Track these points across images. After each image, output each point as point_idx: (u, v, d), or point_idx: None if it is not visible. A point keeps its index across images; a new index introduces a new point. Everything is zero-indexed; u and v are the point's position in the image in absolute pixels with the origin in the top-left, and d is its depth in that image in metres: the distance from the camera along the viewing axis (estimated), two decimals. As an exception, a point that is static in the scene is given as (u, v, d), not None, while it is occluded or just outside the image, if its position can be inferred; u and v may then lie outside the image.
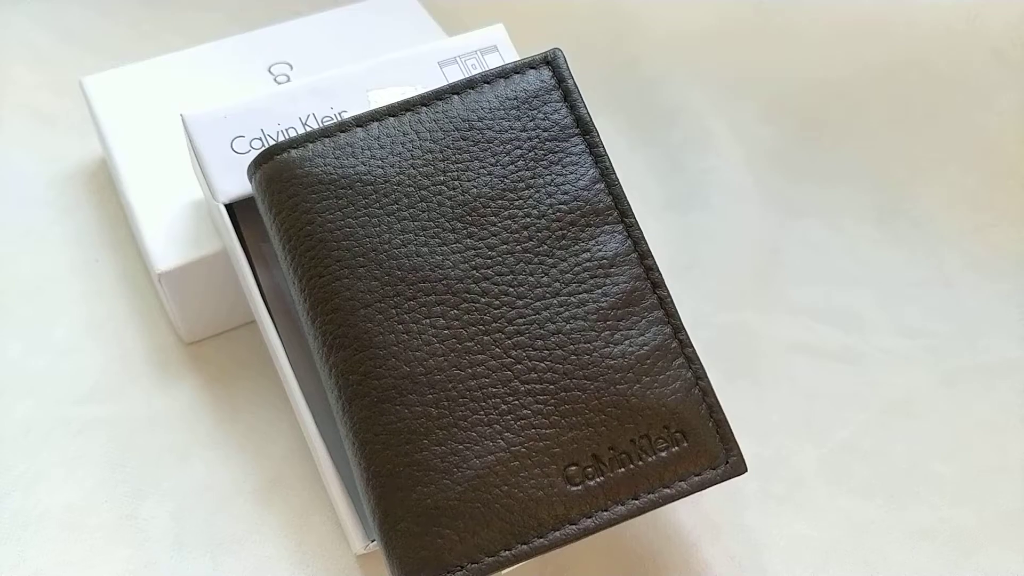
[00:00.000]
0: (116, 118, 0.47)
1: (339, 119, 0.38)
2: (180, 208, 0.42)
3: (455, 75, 0.40)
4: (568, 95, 0.34)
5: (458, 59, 0.41)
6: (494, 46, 0.42)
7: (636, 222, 0.33)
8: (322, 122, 0.38)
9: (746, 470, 0.31)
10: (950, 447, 0.42)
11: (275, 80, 0.49)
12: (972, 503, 0.40)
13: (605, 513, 0.30)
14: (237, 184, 0.37)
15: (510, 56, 0.42)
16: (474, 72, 0.41)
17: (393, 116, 0.34)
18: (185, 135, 0.38)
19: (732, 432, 0.31)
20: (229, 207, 0.37)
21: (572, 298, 0.32)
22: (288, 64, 0.50)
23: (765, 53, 0.58)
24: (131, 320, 0.45)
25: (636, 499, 0.30)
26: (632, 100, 0.57)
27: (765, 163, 0.54)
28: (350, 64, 0.40)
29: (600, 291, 0.32)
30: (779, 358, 0.46)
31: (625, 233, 0.33)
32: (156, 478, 0.40)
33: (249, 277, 0.38)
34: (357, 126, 0.34)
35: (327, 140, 0.33)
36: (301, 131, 0.38)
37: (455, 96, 0.34)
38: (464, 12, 0.59)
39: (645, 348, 0.31)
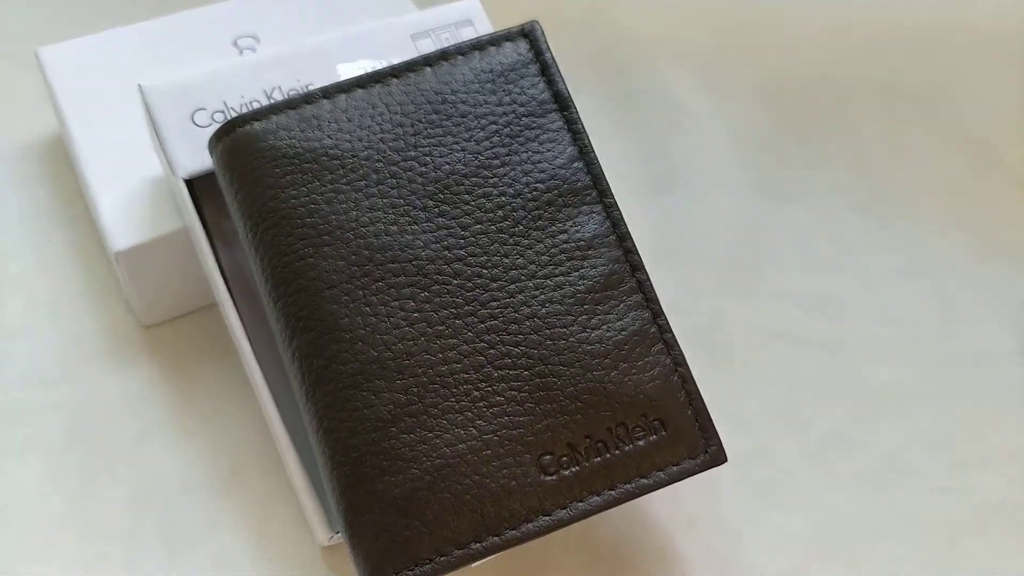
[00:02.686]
0: (73, 91, 0.45)
1: (305, 90, 0.36)
2: (139, 185, 0.40)
3: (428, 49, 0.39)
4: (546, 69, 0.33)
5: (431, 32, 0.39)
6: (468, 19, 0.40)
7: (615, 203, 0.31)
8: (288, 95, 0.36)
9: (726, 460, 0.30)
10: (934, 438, 0.41)
11: (241, 54, 0.47)
12: (956, 494, 0.39)
13: (580, 504, 0.29)
14: (198, 159, 0.35)
15: (485, 30, 0.40)
16: (448, 45, 0.39)
17: (362, 88, 0.32)
18: (143, 106, 0.36)
19: (712, 421, 0.30)
20: (189, 183, 0.35)
21: (548, 281, 0.30)
22: (254, 37, 0.48)
23: (750, 34, 0.57)
24: (86, 301, 0.43)
25: (612, 490, 0.29)
26: (612, 80, 0.55)
27: (748, 146, 0.53)
28: (319, 36, 0.38)
29: (577, 274, 0.30)
30: (760, 346, 0.45)
31: (604, 214, 0.31)
32: (110, 466, 0.38)
33: (209, 257, 0.36)
34: (323, 98, 0.32)
35: (292, 112, 0.32)
36: (264, 102, 0.36)
37: (427, 68, 0.32)
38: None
39: (623, 333, 0.30)
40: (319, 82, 0.37)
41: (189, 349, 0.42)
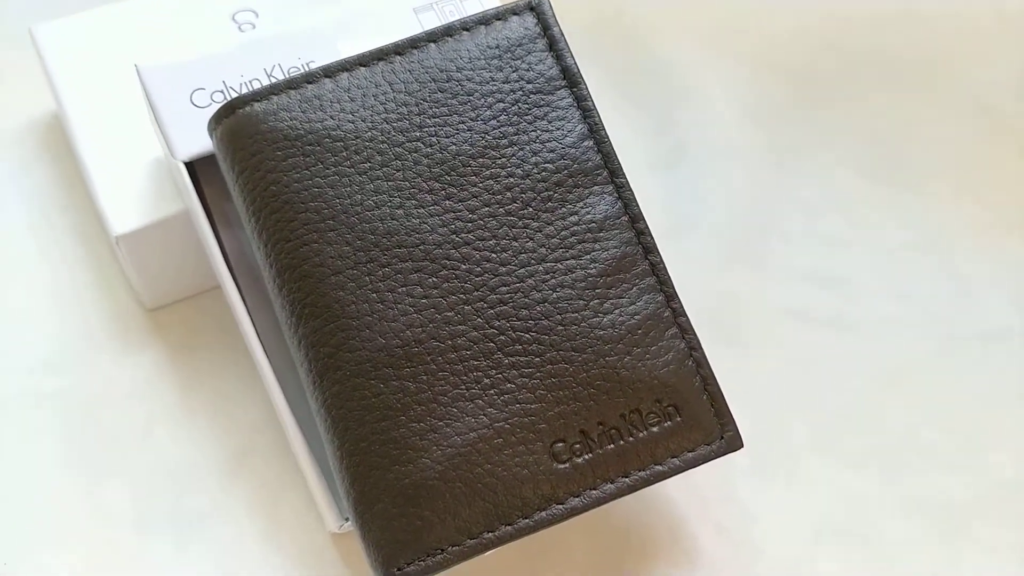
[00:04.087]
0: (69, 70, 0.44)
1: (306, 68, 0.36)
2: (138, 166, 0.39)
3: (431, 23, 0.38)
4: (554, 44, 0.32)
5: (434, 5, 0.38)
6: (473, -8, 0.39)
7: (627, 182, 0.31)
8: (289, 74, 0.35)
9: (742, 445, 0.29)
10: (945, 417, 0.41)
11: (239, 29, 0.46)
12: (967, 474, 0.39)
13: (594, 492, 0.28)
14: (197, 141, 0.34)
15: (491, 2, 0.39)
16: (451, 19, 0.38)
17: (364, 66, 0.31)
18: (141, 88, 0.35)
19: (727, 406, 0.29)
20: (189, 165, 0.35)
21: (559, 264, 0.29)
22: (253, 12, 0.47)
23: (754, 3, 0.56)
24: (89, 285, 0.43)
25: (626, 477, 0.28)
26: (615, 53, 0.54)
27: (755, 118, 0.52)
28: (319, 11, 0.37)
29: (588, 257, 0.30)
30: (770, 324, 0.44)
31: (615, 194, 0.30)
32: (116, 453, 0.38)
33: (211, 240, 0.35)
34: (325, 77, 0.31)
35: (293, 92, 0.31)
36: (265, 82, 0.35)
37: (431, 44, 0.31)
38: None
39: (636, 318, 0.29)
40: (321, 60, 0.36)
41: (194, 332, 0.41)
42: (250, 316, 0.35)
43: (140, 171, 0.39)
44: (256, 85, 0.35)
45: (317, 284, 0.29)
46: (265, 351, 0.35)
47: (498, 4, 0.39)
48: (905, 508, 0.38)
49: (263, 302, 0.36)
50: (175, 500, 0.37)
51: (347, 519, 0.33)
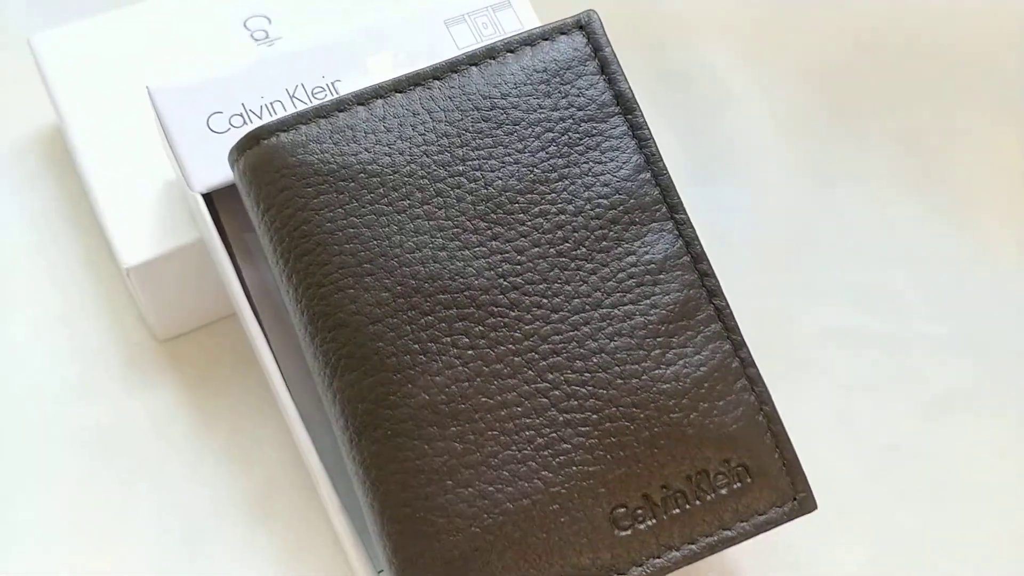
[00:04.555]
0: (71, 83, 0.41)
1: (333, 89, 0.33)
2: (147, 189, 0.37)
3: (464, 36, 0.35)
4: (606, 66, 0.29)
5: (467, 17, 0.35)
6: (507, 1, 0.36)
7: (688, 218, 0.28)
8: (313, 93, 0.33)
9: (815, 507, 0.27)
10: (1002, 444, 0.39)
11: (252, 36, 0.43)
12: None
13: (657, 560, 0.26)
14: (216, 170, 0.31)
15: (526, 12, 0.36)
16: (486, 32, 0.35)
17: (400, 92, 0.29)
18: (152, 111, 0.32)
19: (800, 465, 0.27)
20: (207, 195, 0.32)
21: (616, 310, 0.27)
22: (266, 17, 0.44)
23: (791, 7, 0.53)
24: (98, 314, 0.40)
25: (692, 544, 0.26)
26: (646, 60, 0.51)
27: (793, 129, 0.49)
28: (341, 22, 0.34)
29: (648, 302, 0.27)
30: (813, 346, 0.42)
31: (675, 232, 0.28)
32: (133, 493, 0.36)
33: (231, 275, 0.33)
34: (358, 104, 0.28)
35: (323, 121, 0.28)
36: (288, 104, 0.32)
37: (473, 68, 0.29)
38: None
39: (702, 370, 0.27)
40: (346, 78, 0.33)
41: (209, 364, 0.39)
42: (274, 356, 0.32)
43: (150, 194, 0.37)
44: (278, 107, 0.32)
45: (354, 334, 0.27)
46: (289, 390, 0.32)
47: (533, 16, 0.36)
48: (964, 547, 0.36)
49: (287, 339, 0.33)
50: (191, 547, 0.35)
51: (380, 572, 0.31)
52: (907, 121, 0.50)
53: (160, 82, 0.32)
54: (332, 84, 0.33)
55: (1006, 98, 0.50)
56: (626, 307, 0.27)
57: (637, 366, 0.27)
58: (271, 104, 0.32)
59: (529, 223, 0.28)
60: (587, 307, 0.27)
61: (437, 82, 0.29)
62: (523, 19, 0.36)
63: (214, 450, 0.37)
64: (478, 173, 0.28)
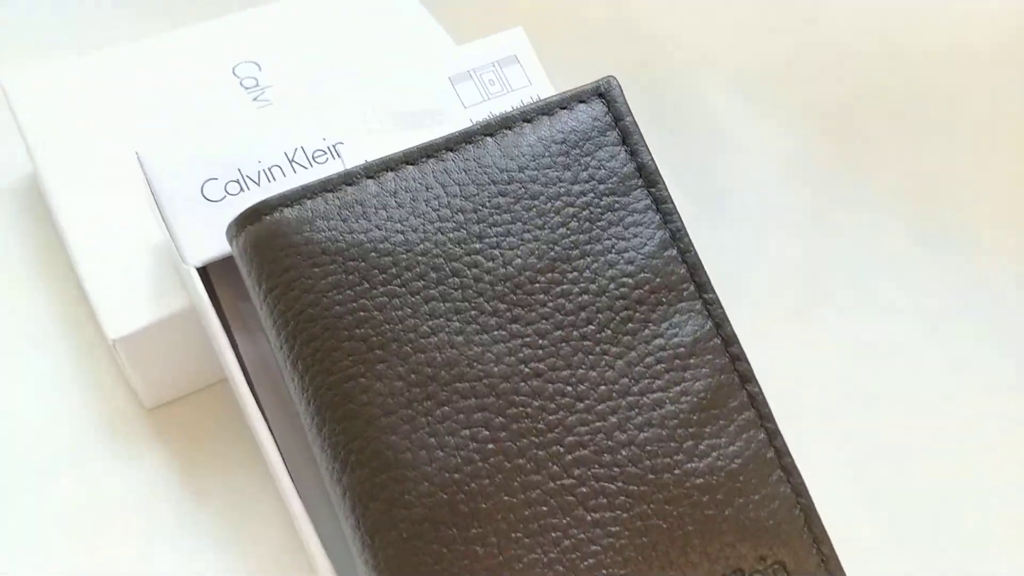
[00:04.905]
0: (47, 130, 0.39)
1: (334, 152, 0.31)
2: (134, 251, 0.35)
3: (470, 93, 0.34)
4: (627, 136, 0.28)
5: (472, 73, 0.34)
6: (513, 56, 0.35)
7: (716, 298, 0.27)
8: (313, 157, 0.31)
9: (855, 604, 0.26)
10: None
11: (241, 84, 0.42)
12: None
13: (692, 668, 0.24)
14: (211, 241, 0.29)
15: (533, 68, 0.35)
16: (492, 89, 0.34)
17: (412, 164, 0.27)
18: (142, 177, 0.30)
19: (838, 560, 0.26)
20: (201, 268, 0.30)
21: (645, 398, 0.26)
22: (256, 63, 0.42)
23: (791, 48, 0.52)
24: (80, 379, 0.38)
25: (728, 648, 0.25)
26: (646, 103, 0.50)
27: (795, 174, 0.48)
28: (334, 68, 0.32)
29: (679, 388, 0.26)
30: (822, 402, 0.41)
31: (705, 312, 0.27)
32: (114, 574, 0.34)
33: (225, 346, 0.31)
34: (367, 177, 0.27)
35: (330, 196, 0.26)
36: (287, 168, 0.31)
37: (488, 139, 0.27)
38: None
39: (736, 462, 0.25)
40: (348, 140, 0.32)
41: (199, 434, 0.37)
42: (273, 435, 0.30)
43: (136, 256, 0.35)
44: (276, 172, 0.31)
45: (365, 427, 0.25)
46: (288, 468, 0.30)
47: (541, 72, 0.35)
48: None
49: (286, 416, 0.31)
50: (183, 636, 0.33)
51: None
52: (909, 165, 0.49)
53: (149, 147, 0.30)
54: (334, 147, 0.31)
55: (1009, 144, 0.50)
56: (655, 395, 0.26)
57: (669, 459, 0.25)
58: (269, 169, 0.30)
59: (551, 304, 0.26)
60: (614, 395, 0.25)
61: (451, 153, 0.27)
62: (531, 75, 0.35)
63: (205, 527, 0.35)
64: (496, 251, 0.26)
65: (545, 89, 0.34)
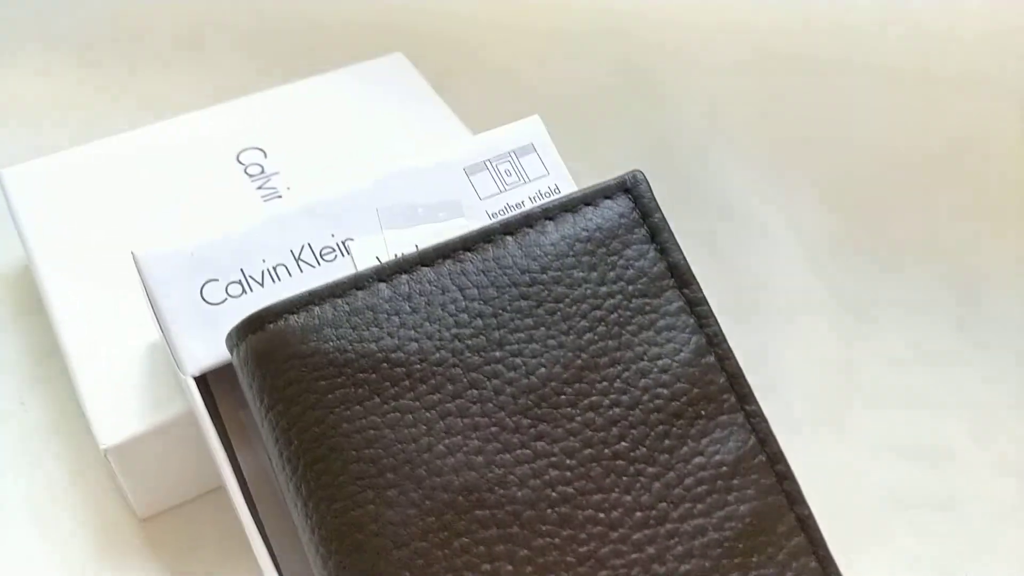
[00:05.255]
0: (44, 225, 0.38)
1: (343, 249, 0.29)
2: (129, 351, 0.33)
3: (486, 184, 0.32)
4: (657, 234, 0.26)
5: (488, 164, 0.32)
6: (530, 144, 0.33)
7: (759, 410, 0.25)
8: (321, 255, 0.29)
9: None
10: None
11: (246, 171, 0.40)
12: None
13: None
14: (211, 347, 0.27)
15: (550, 157, 0.33)
16: (509, 180, 0.32)
17: (427, 266, 0.25)
18: (139, 279, 0.28)
19: None
20: (200, 375, 0.28)
21: (685, 525, 0.23)
22: (261, 150, 0.41)
23: (812, 122, 0.51)
24: (70, 487, 0.36)
25: None
26: (661, 183, 0.49)
27: (825, 258, 0.47)
28: (351, 167, 0.31)
29: (722, 513, 0.23)
30: (865, 509, 0.38)
31: (748, 426, 0.24)
32: None
33: (223, 459, 0.28)
34: (379, 280, 0.25)
35: (339, 301, 0.24)
36: (293, 268, 0.29)
37: (508, 237, 0.25)
38: (457, 73, 0.51)
39: (788, 595, 0.23)
40: (359, 236, 0.30)
41: (195, 545, 0.34)
42: (272, 555, 0.28)
43: (131, 357, 0.33)
44: (282, 271, 0.29)
45: (375, 560, 0.22)
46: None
47: (559, 160, 0.33)
48: None
49: (287, 534, 0.29)
50: None
51: None
52: (944, 247, 0.47)
53: (147, 248, 0.28)
54: (343, 243, 0.29)
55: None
56: (697, 521, 0.23)
57: (713, 594, 0.23)
58: (274, 268, 0.29)
59: (579, 419, 0.24)
60: (652, 522, 0.23)
61: (468, 254, 0.25)
62: (548, 164, 0.33)
63: (199, 652, 0.32)
64: (518, 360, 0.24)
65: (563, 178, 0.33)
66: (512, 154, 0.33)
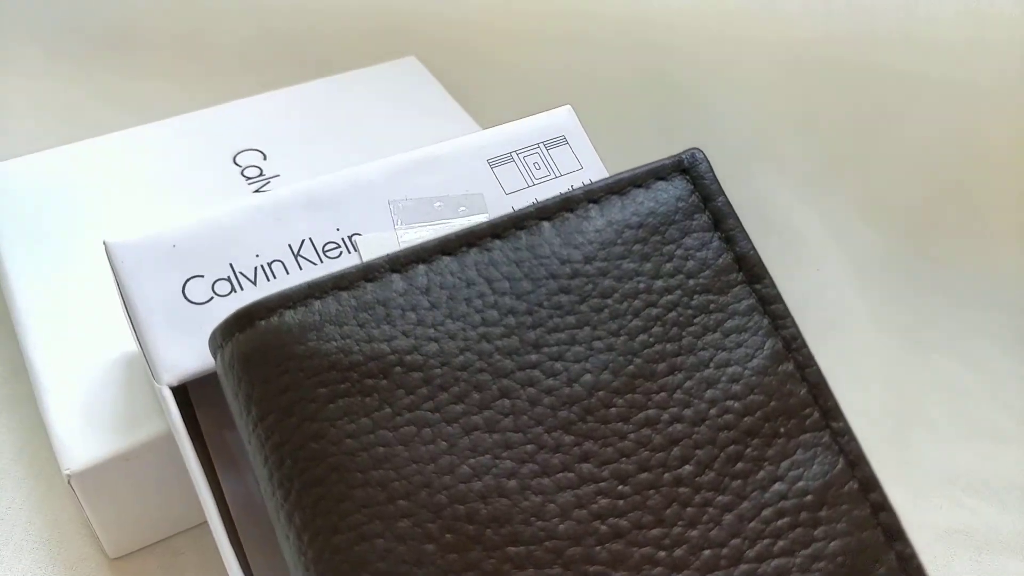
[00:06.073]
0: (16, 227, 0.34)
1: (350, 246, 0.26)
2: (105, 368, 0.29)
3: (512, 178, 0.28)
4: (721, 221, 0.22)
5: (515, 156, 0.29)
6: (562, 136, 0.30)
7: (848, 427, 0.20)
8: (324, 251, 0.25)
9: None
10: None
11: (243, 174, 0.37)
12: None
13: None
14: (192, 353, 0.23)
15: (584, 150, 0.30)
16: (538, 174, 0.29)
17: (449, 255, 0.21)
18: (111, 272, 0.24)
19: None
20: (179, 388, 0.24)
21: (764, 567, 0.19)
22: (260, 152, 0.38)
23: (856, 136, 0.47)
24: (35, 522, 0.31)
25: None
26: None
27: (873, 277, 0.43)
28: (358, 166, 0.27)
29: (808, 552, 0.19)
30: (933, 551, 0.34)
31: (835, 447, 0.20)
32: None
33: (204, 486, 0.24)
34: (392, 271, 0.21)
35: (344, 295, 0.20)
36: (292, 265, 0.25)
37: (545, 223, 0.22)
38: (474, 79, 0.47)
39: (892, 654, 0.18)
40: (368, 230, 0.26)
41: (170, 592, 0.30)
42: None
43: (107, 375, 0.29)
44: (278, 268, 0.25)
45: (384, 607, 0.18)
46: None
47: (593, 154, 0.30)
48: None
49: (276, 570, 0.25)
50: None
51: None
52: (1000, 266, 0.44)
53: (119, 235, 0.24)
54: (349, 239, 0.26)
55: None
56: (778, 561, 0.19)
57: (801, 654, 0.18)
58: (269, 265, 0.25)
59: (632, 436, 0.20)
60: (723, 562, 0.19)
61: (498, 242, 0.21)
62: (582, 158, 0.29)
63: None
64: (558, 364, 0.20)
65: (600, 174, 0.29)
66: (542, 146, 0.29)
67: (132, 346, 0.29)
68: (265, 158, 0.37)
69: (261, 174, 0.36)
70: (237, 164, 0.37)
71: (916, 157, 0.47)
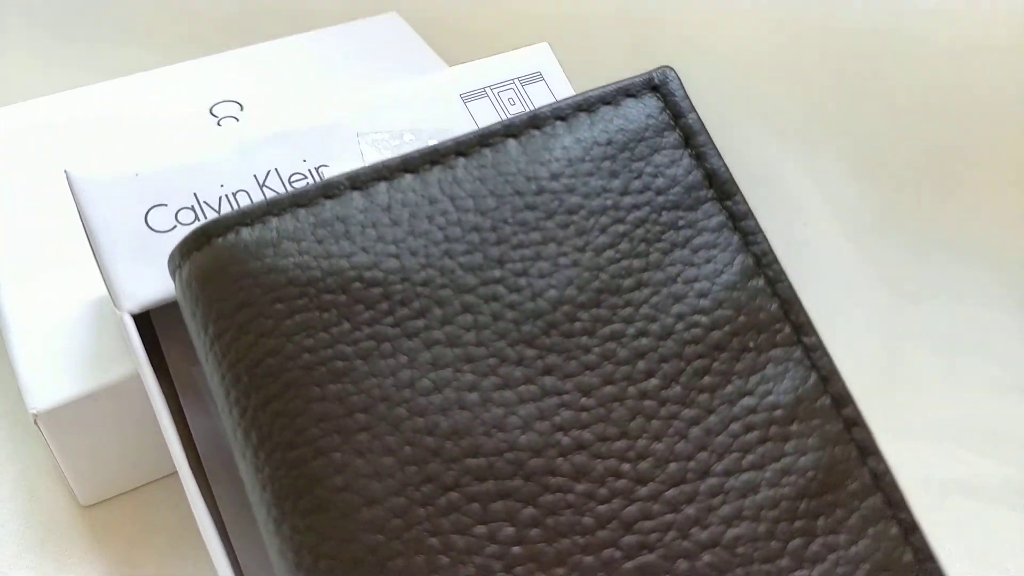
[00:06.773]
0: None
1: (316, 176, 0.25)
2: (71, 311, 0.28)
3: (485, 113, 0.28)
4: (691, 137, 0.21)
5: (489, 91, 0.28)
6: (537, 72, 0.29)
7: (821, 343, 0.20)
8: (290, 181, 0.25)
9: None
10: None
11: (219, 123, 0.36)
12: None
13: None
14: (154, 281, 0.23)
15: (562, 88, 0.29)
16: (512, 109, 0.28)
17: (412, 172, 0.21)
18: (74, 204, 0.24)
19: None
20: (142, 315, 0.23)
21: (732, 480, 0.18)
22: (237, 103, 0.37)
23: (844, 93, 0.47)
24: (6, 472, 0.31)
25: None
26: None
27: (865, 232, 0.42)
28: (326, 99, 0.27)
29: (778, 466, 0.19)
30: (924, 502, 0.33)
31: (807, 362, 0.20)
32: None
33: (169, 423, 0.24)
34: (353, 188, 0.20)
35: (302, 212, 0.20)
36: (256, 193, 0.24)
37: (511, 141, 0.21)
38: (455, 34, 0.47)
39: (863, 567, 0.18)
40: (335, 162, 0.25)
41: (143, 536, 0.30)
42: (224, 538, 0.23)
43: (73, 315, 0.28)
44: (243, 198, 0.24)
45: (340, 522, 0.18)
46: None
47: (571, 92, 0.29)
48: None
49: (244, 513, 0.24)
50: None
51: None
52: (987, 222, 0.43)
53: (82, 167, 0.24)
54: (316, 170, 0.25)
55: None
56: (746, 475, 0.18)
57: (770, 566, 0.18)
58: (234, 194, 0.24)
59: (597, 350, 0.19)
60: (690, 475, 0.18)
61: (462, 159, 0.21)
62: (558, 95, 0.29)
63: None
64: (522, 280, 0.20)
65: (575, 110, 0.29)
66: (517, 81, 0.29)
67: (103, 289, 0.29)
68: (242, 108, 0.37)
69: (238, 123, 0.36)
70: (214, 115, 0.36)
71: (906, 114, 0.46)
